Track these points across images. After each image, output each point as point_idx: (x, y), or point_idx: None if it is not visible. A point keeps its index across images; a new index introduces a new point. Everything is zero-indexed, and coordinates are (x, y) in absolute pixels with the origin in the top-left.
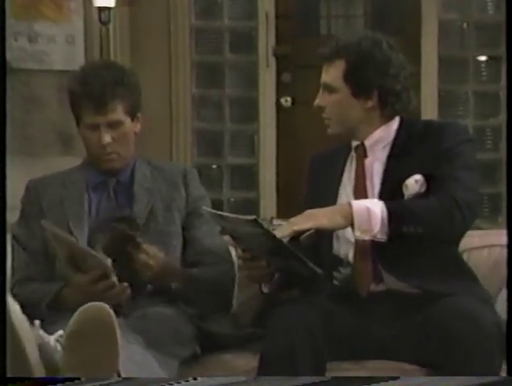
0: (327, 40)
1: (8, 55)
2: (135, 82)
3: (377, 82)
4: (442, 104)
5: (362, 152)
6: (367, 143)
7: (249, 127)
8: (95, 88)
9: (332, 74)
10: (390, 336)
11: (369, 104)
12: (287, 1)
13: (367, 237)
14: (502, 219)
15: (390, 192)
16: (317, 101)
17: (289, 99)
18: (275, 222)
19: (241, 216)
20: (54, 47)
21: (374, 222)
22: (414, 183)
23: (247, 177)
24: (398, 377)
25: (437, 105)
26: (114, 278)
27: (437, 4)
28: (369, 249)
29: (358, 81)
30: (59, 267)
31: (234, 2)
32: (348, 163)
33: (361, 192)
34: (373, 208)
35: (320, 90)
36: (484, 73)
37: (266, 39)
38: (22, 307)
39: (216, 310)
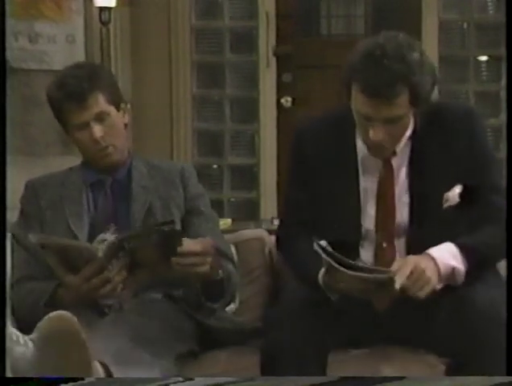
0: (375, 73)
1: (8, 55)
2: (109, 73)
3: (429, 86)
4: None
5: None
6: (398, 147)
7: (250, 127)
8: (72, 87)
9: (400, 105)
10: (408, 328)
11: (415, 110)
12: (288, 1)
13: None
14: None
15: (420, 193)
16: (379, 138)
17: (289, 99)
18: (276, 222)
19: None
20: (54, 46)
21: (459, 278)
22: (455, 195)
23: (247, 177)
24: (404, 377)
25: None
26: (108, 272)
27: (437, 4)
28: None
29: (418, 98)
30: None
31: (234, 2)
32: (359, 153)
33: (385, 192)
34: (458, 266)
35: (377, 124)
36: (484, 73)
37: (266, 39)
38: (22, 306)
39: (223, 306)
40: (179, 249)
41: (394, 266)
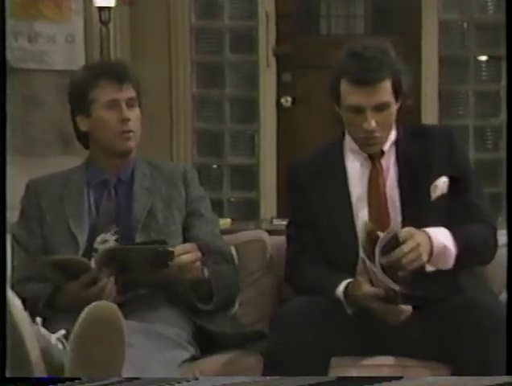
0: (361, 63)
1: (8, 55)
2: (137, 77)
3: (406, 84)
4: (442, 104)
5: (379, 152)
6: (386, 146)
7: (250, 127)
8: (115, 66)
9: (385, 92)
10: (407, 334)
11: (397, 105)
12: (287, 1)
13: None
14: (502, 219)
15: (409, 189)
16: (372, 125)
17: (289, 99)
18: (275, 222)
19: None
20: (54, 46)
21: (449, 260)
22: (442, 184)
23: (247, 177)
24: (402, 377)
25: (437, 105)
26: (101, 283)
27: (437, 4)
28: None
29: (400, 89)
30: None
31: (234, 2)
32: (349, 164)
33: (376, 191)
34: (450, 246)
35: (369, 113)
36: (484, 73)
37: (266, 39)
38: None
39: (224, 308)
40: (170, 264)
41: (403, 233)
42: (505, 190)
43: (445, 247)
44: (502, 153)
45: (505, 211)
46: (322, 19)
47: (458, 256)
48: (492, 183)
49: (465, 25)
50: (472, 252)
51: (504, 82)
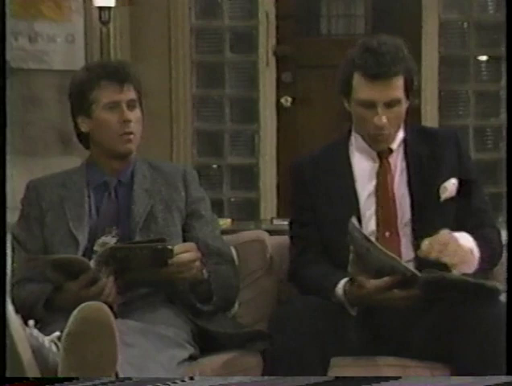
0: (374, 57)
1: (8, 55)
2: (138, 77)
3: (415, 80)
4: (442, 104)
5: (387, 150)
6: (394, 144)
7: (250, 127)
8: (116, 67)
9: (397, 88)
10: (407, 334)
11: (407, 103)
12: (288, 1)
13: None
14: (502, 219)
15: (419, 189)
16: (383, 121)
17: (289, 99)
18: (275, 222)
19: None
20: (54, 46)
21: (474, 263)
22: (452, 186)
23: (247, 177)
24: (400, 377)
25: (437, 105)
26: (101, 283)
27: (438, 4)
28: None
29: (411, 87)
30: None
31: (234, 2)
32: (356, 163)
33: (384, 188)
34: (474, 249)
35: (380, 108)
36: (484, 73)
37: (266, 39)
38: (21, 308)
39: (223, 309)
40: (169, 261)
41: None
42: (505, 190)
43: (471, 250)
44: (502, 154)
45: (506, 211)
46: (322, 19)
47: (480, 260)
48: (492, 183)
49: (465, 25)
50: (491, 256)
51: (504, 82)
